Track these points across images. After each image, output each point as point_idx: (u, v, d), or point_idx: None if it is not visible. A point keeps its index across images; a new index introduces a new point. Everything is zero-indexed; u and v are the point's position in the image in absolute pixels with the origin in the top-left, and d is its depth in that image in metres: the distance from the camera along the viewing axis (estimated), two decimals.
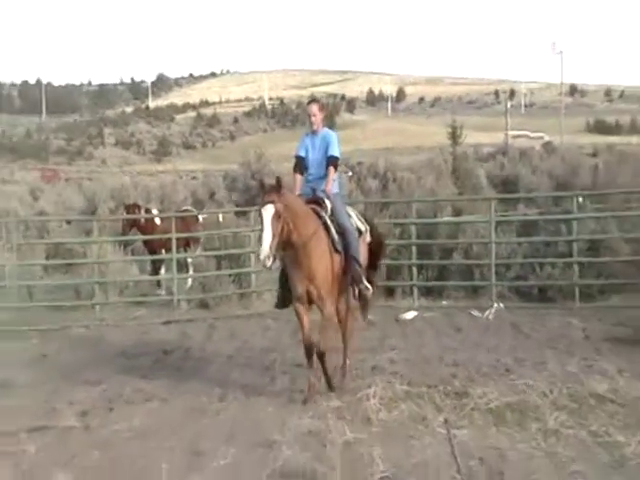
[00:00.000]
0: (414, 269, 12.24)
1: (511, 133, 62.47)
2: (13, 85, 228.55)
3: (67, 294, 13.25)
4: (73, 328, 11.31)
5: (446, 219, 13.80)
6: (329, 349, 7.30)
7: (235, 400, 7.43)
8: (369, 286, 7.63)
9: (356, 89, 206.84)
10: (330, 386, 7.45)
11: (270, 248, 6.59)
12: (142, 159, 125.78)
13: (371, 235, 8.09)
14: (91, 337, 10.88)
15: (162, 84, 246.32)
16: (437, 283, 12.48)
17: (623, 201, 15.10)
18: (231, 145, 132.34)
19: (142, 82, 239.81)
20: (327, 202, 7.52)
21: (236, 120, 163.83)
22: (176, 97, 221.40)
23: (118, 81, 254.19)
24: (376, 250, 8.24)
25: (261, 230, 6.73)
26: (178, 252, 13.08)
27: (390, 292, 12.28)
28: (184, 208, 16.18)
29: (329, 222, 7.34)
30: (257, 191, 7.52)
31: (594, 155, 33.47)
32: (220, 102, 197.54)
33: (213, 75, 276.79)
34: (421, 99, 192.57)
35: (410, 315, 11.25)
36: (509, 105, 79.31)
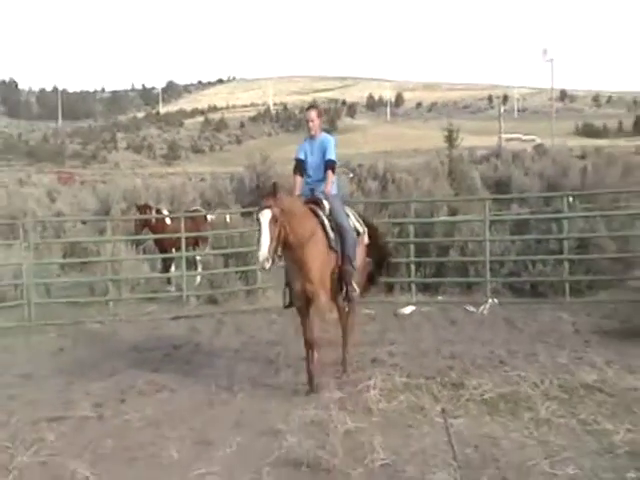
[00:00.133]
0: (412, 266, 12.23)
1: (504, 136, 62.41)
2: (31, 92, 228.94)
3: (82, 291, 13.28)
4: (88, 323, 11.31)
5: (442, 218, 13.77)
6: (318, 341, 7.25)
7: (241, 391, 7.43)
8: (357, 288, 7.59)
9: (356, 95, 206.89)
10: (311, 384, 7.23)
11: (268, 251, 6.59)
12: (153, 162, 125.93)
13: (370, 236, 8.07)
14: (105, 332, 10.89)
15: (172, 90, 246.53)
16: (434, 279, 12.47)
17: (611, 201, 15.07)
18: (237, 148, 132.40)
19: (153, 89, 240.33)
20: (325, 202, 7.51)
21: (242, 125, 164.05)
22: (185, 103, 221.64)
23: (130, 88, 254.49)
24: (379, 251, 8.24)
25: (259, 234, 6.73)
26: (187, 251, 13.08)
27: (389, 288, 12.26)
28: (194, 208, 16.17)
29: (326, 221, 7.32)
30: (255, 196, 7.49)
31: (583, 157, 33.38)
32: (227, 107, 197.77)
33: (220, 82, 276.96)
34: (419, 104, 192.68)
35: (408, 310, 11.24)
36: (502, 110, 79.23)
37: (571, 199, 12.49)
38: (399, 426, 6.16)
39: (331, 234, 7.28)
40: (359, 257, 7.70)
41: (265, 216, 6.68)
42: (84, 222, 18.39)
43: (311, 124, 7.79)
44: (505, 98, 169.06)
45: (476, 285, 12.08)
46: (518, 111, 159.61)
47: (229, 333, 10.44)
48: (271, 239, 6.62)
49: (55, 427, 6.48)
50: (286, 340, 9.49)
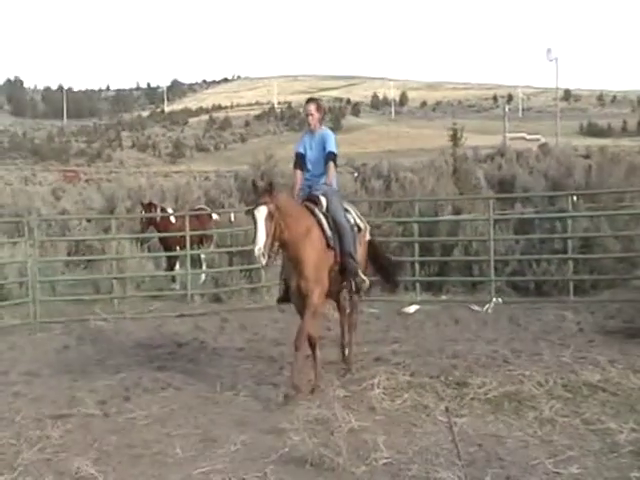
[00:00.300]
0: (416, 265, 12.21)
1: (509, 135, 62.22)
2: (36, 90, 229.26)
3: (87, 289, 13.30)
4: (92, 321, 11.31)
5: (447, 218, 13.77)
6: (303, 342, 7.13)
7: (246, 389, 7.44)
8: (365, 278, 7.60)
9: (361, 94, 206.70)
10: (294, 383, 7.02)
11: (265, 247, 6.58)
12: (158, 161, 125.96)
13: (370, 252, 8.06)
14: (109, 329, 10.90)
15: (177, 89, 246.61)
16: (438, 278, 12.46)
17: (615, 200, 15.02)
18: (242, 147, 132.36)
19: (158, 87, 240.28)
20: (323, 199, 7.49)
21: (247, 123, 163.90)
22: (190, 102, 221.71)
23: (135, 86, 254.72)
24: (381, 263, 8.26)
25: (255, 230, 6.71)
26: (192, 249, 13.09)
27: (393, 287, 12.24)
28: (198, 207, 16.16)
29: (323, 219, 7.29)
30: (251, 192, 7.43)
31: (587, 157, 33.20)
32: (232, 106, 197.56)
33: (225, 80, 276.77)
34: (423, 103, 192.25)
35: (412, 309, 11.24)
36: (507, 109, 78.96)
37: (575, 198, 12.46)
38: (403, 425, 6.16)
39: (328, 232, 7.24)
40: (360, 253, 7.70)
41: (261, 212, 6.68)
42: (89, 220, 18.38)
43: (310, 117, 7.76)
44: (510, 97, 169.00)
45: (480, 284, 12.07)
46: (523, 110, 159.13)
47: (233, 331, 10.45)
48: (267, 235, 6.61)
49: (60, 424, 6.48)
50: (290, 338, 9.45)
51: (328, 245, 7.22)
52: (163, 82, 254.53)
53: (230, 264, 13.22)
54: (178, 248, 13.48)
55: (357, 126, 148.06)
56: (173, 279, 13.74)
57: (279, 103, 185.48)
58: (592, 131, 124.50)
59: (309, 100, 8.00)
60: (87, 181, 58.25)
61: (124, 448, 5.95)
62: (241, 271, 12.83)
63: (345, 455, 5.36)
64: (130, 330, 10.75)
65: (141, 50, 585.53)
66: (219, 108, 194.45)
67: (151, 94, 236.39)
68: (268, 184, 6.87)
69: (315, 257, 7.05)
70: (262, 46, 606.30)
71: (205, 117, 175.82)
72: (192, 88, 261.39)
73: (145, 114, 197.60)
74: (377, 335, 9.50)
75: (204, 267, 13.80)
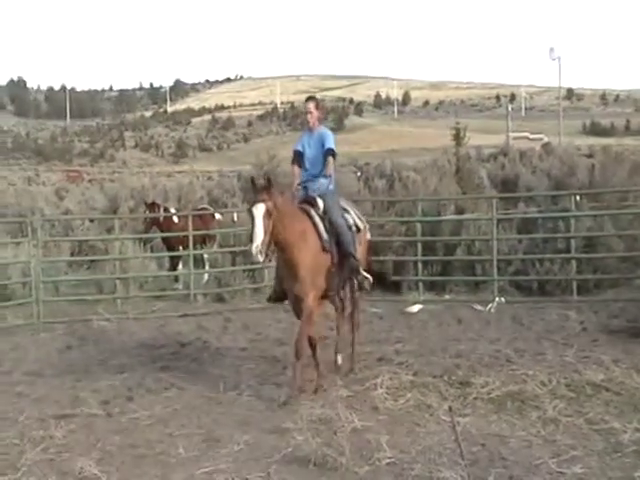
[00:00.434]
0: (419, 265, 12.21)
1: (512, 135, 62.10)
2: (40, 91, 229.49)
3: (90, 289, 13.32)
4: (96, 321, 11.33)
5: (450, 217, 13.75)
6: (302, 349, 7.11)
7: (249, 389, 7.44)
8: (368, 276, 7.60)
9: (364, 93, 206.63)
10: (292, 392, 6.99)
11: (262, 244, 6.56)
12: (161, 161, 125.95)
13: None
14: (113, 329, 10.92)
15: (179, 89, 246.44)
16: (441, 278, 12.46)
17: (618, 200, 14.99)
18: (245, 147, 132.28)
19: (160, 87, 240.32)
20: (319, 201, 7.47)
21: (250, 123, 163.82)
22: (193, 102, 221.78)
23: (138, 86, 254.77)
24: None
25: (252, 227, 6.69)
26: (195, 249, 13.09)
27: (397, 286, 12.25)
28: (201, 206, 16.17)
29: (319, 222, 7.26)
30: (249, 190, 7.41)
31: (590, 156, 33.12)
32: (234, 106, 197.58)
33: (228, 80, 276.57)
34: (426, 103, 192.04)
35: (415, 308, 11.23)
36: (510, 108, 78.91)
37: (578, 198, 12.45)
38: (406, 424, 6.16)
39: (324, 235, 7.21)
40: (360, 252, 7.69)
41: (259, 209, 6.67)
42: (92, 220, 18.39)
43: (309, 115, 7.78)
44: (512, 97, 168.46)
45: (483, 284, 12.07)
46: (525, 110, 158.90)
47: (236, 331, 10.45)
48: (264, 232, 6.60)
49: (63, 425, 6.49)
50: (293, 338, 9.47)
51: (324, 248, 7.19)
52: (166, 82, 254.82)
53: (233, 264, 13.23)
54: (181, 248, 13.49)
55: (360, 126, 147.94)
56: (176, 279, 13.75)
57: (282, 103, 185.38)
58: (595, 130, 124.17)
59: (308, 98, 8.03)
60: (90, 181, 58.19)
61: (127, 448, 5.95)
62: (244, 271, 12.85)
63: (348, 455, 5.37)
64: (133, 330, 10.76)
65: (144, 50, 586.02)
66: (222, 108, 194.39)
67: (154, 94, 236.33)
68: (266, 181, 6.85)
69: (310, 260, 7.02)
70: (265, 46, 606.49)
71: (208, 117, 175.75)
72: (195, 88, 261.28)
73: (148, 114, 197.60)
74: (380, 335, 9.50)
75: (207, 267, 13.80)
